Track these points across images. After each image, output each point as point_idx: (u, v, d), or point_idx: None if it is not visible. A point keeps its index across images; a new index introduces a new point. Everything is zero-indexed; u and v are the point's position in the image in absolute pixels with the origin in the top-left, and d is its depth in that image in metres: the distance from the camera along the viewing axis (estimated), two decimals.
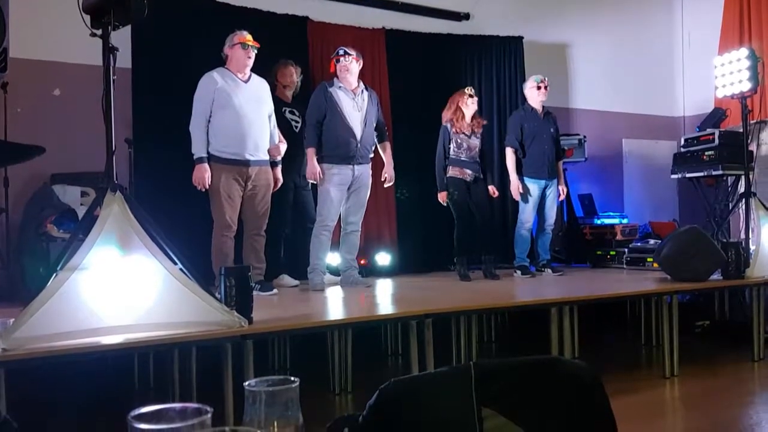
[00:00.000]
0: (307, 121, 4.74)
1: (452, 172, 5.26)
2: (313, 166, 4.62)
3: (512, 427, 1.10)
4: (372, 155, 4.88)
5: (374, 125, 4.86)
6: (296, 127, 5.13)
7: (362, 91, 4.83)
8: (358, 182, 4.76)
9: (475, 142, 5.31)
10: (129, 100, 4.94)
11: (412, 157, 6.00)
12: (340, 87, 4.74)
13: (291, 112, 5.19)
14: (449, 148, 5.28)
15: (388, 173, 4.99)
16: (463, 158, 5.27)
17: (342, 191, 4.71)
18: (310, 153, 4.64)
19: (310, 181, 4.74)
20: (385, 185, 5.06)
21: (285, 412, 0.87)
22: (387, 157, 5.02)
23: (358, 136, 4.72)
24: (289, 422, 0.87)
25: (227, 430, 0.73)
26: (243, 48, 4.37)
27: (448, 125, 5.30)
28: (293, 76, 5.25)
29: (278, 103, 4.98)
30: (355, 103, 4.75)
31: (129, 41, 4.87)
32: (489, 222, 5.41)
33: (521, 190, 5.57)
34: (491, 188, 5.43)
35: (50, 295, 2.45)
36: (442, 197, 5.26)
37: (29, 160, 4.34)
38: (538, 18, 7.15)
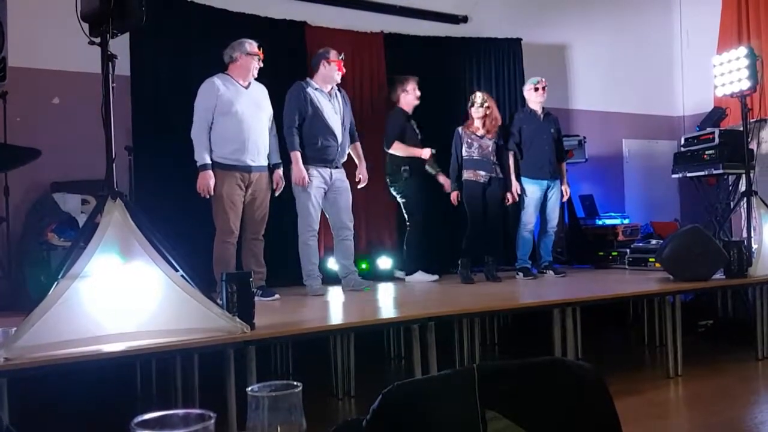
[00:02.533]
0: (286, 124, 4.64)
1: (466, 174, 5.31)
2: (300, 170, 4.56)
3: (516, 429, 1.09)
4: (344, 159, 4.87)
5: (348, 127, 4.88)
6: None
7: (336, 93, 4.83)
8: (336, 187, 4.74)
9: (488, 142, 5.34)
10: (128, 108, 4.94)
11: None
12: (316, 88, 4.72)
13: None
14: (461, 150, 5.33)
15: (362, 174, 4.98)
16: (476, 157, 5.31)
17: (321, 193, 4.69)
18: (296, 157, 4.57)
19: (297, 186, 4.62)
20: (359, 186, 5.02)
21: (288, 417, 0.87)
22: (360, 158, 5.02)
23: (339, 139, 4.72)
24: (293, 427, 0.87)
25: None
26: (256, 60, 4.42)
27: (460, 129, 5.37)
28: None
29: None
30: (332, 105, 4.75)
31: (127, 48, 4.87)
32: (500, 225, 5.42)
33: (519, 192, 5.58)
34: (508, 195, 5.49)
35: (52, 303, 2.45)
36: (453, 197, 5.35)
37: (25, 164, 4.34)
38: (537, 20, 7.15)
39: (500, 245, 5.48)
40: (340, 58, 4.78)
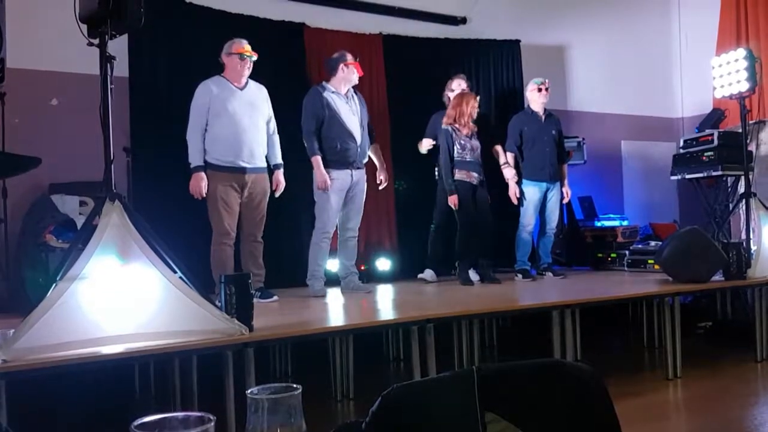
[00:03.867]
0: (305, 128, 4.67)
1: (459, 175, 5.25)
2: (322, 174, 4.57)
3: (515, 431, 1.09)
4: (366, 160, 4.89)
5: (366, 128, 4.89)
6: None
7: (352, 95, 4.85)
8: (356, 188, 4.77)
9: (477, 143, 5.33)
10: (126, 109, 4.93)
11: (410, 162, 5.99)
12: (333, 91, 4.74)
13: None
14: (454, 150, 5.27)
15: (383, 174, 5.01)
16: (468, 159, 5.27)
17: (341, 197, 4.70)
18: (317, 162, 4.59)
19: (319, 190, 4.65)
20: (380, 187, 5.06)
21: (288, 420, 0.86)
22: (379, 158, 5.05)
23: (358, 140, 4.73)
24: (292, 430, 0.87)
25: None
26: (240, 58, 4.38)
27: (449, 128, 5.29)
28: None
29: None
30: (350, 107, 4.76)
31: (126, 50, 4.86)
32: (490, 226, 5.41)
33: (518, 195, 5.57)
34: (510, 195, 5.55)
35: (50, 305, 2.45)
36: (453, 200, 5.22)
37: (25, 172, 4.34)
38: (535, 21, 7.15)
39: (492, 247, 5.47)
40: (356, 60, 4.81)
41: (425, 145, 5.61)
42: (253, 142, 4.41)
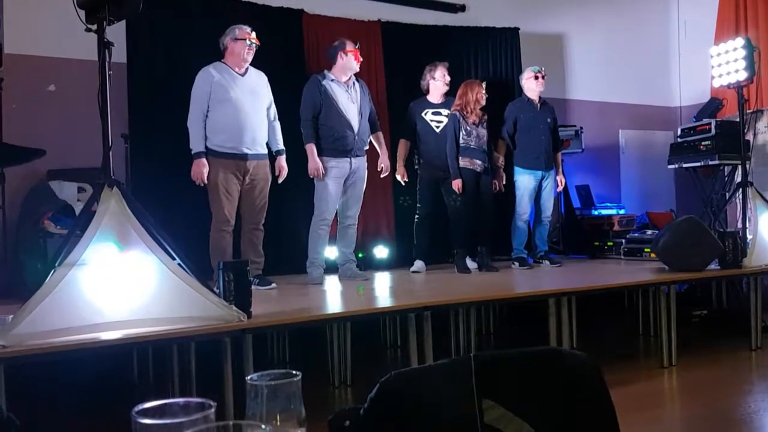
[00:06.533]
0: (303, 117, 4.70)
1: (462, 162, 5.25)
2: (315, 162, 4.60)
3: (512, 418, 1.10)
4: (366, 147, 4.89)
5: (368, 116, 4.87)
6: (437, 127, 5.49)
7: (354, 83, 4.85)
8: (355, 175, 4.78)
9: (483, 131, 5.33)
10: (125, 95, 4.92)
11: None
12: (333, 80, 4.75)
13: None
14: (459, 136, 5.28)
15: (384, 163, 5.03)
16: (472, 146, 5.27)
17: (339, 184, 4.72)
18: (311, 149, 4.63)
19: (313, 178, 4.68)
20: (382, 175, 5.08)
21: (287, 406, 0.87)
22: (381, 147, 5.06)
23: (356, 129, 4.73)
24: (292, 416, 0.87)
25: (231, 424, 0.73)
26: (248, 44, 4.38)
27: (457, 113, 5.30)
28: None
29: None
30: (349, 95, 4.76)
31: (124, 36, 4.84)
32: (491, 214, 5.42)
33: (503, 183, 5.61)
34: (495, 182, 5.52)
35: (49, 291, 2.46)
36: (457, 185, 5.20)
37: (28, 162, 4.33)
38: (534, 9, 7.13)
39: (491, 235, 5.48)
40: (356, 47, 4.80)
41: (400, 171, 5.49)
42: (255, 129, 4.41)
